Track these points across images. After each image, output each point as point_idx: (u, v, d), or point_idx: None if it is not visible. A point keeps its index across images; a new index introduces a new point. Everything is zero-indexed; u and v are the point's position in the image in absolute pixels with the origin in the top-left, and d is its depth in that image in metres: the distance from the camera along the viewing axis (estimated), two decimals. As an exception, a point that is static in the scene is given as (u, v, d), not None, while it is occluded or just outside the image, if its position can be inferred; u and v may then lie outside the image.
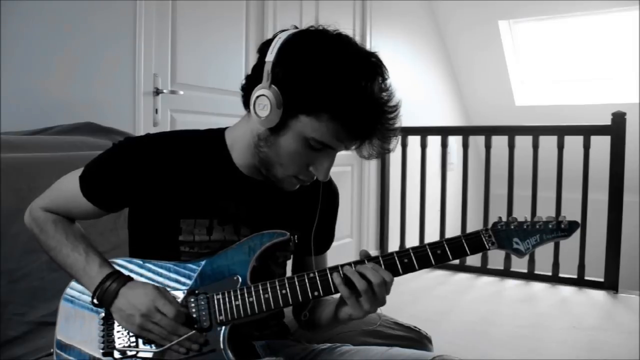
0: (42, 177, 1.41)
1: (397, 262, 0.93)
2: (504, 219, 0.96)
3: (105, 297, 0.96)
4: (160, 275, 0.99)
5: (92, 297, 0.97)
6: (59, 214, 1.05)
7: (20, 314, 1.33)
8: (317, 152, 0.93)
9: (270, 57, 0.89)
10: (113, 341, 0.96)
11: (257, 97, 0.90)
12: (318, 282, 0.94)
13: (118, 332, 0.97)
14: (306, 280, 0.94)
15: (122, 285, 0.96)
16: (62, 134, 1.83)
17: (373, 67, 0.90)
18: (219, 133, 1.05)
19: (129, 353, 0.95)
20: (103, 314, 0.98)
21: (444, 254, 0.94)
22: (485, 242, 0.94)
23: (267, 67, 0.89)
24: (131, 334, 0.96)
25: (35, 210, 1.06)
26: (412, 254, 0.94)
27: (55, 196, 1.06)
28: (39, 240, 1.04)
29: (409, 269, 0.94)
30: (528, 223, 0.95)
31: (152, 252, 1.02)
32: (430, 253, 0.94)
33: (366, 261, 0.94)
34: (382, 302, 0.94)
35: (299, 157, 0.93)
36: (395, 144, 0.96)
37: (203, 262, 0.98)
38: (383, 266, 0.93)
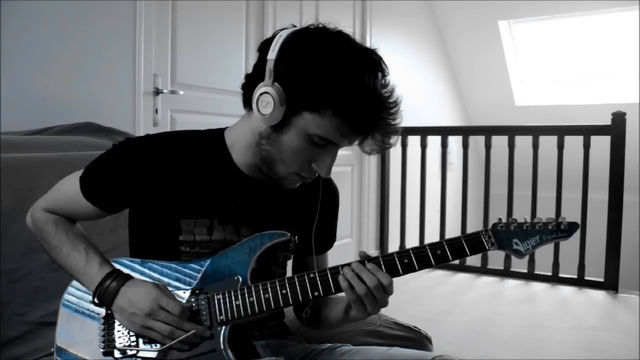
0: (42, 177, 1.42)
1: (397, 263, 0.93)
2: (504, 219, 0.96)
3: (105, 296, 0.96)
4: (161, 275, 0.99)
5: (93, 297, 0.97)
6: (60, 214, 1.05)
7: (20, 314, 1.33)
8: (319, 149, 0.93)
9: (272, 55, 0.90)
10: (113, 340, 0.96)
11: (260, 94, 0.90)
12: (318, 282, 0.94)
13: (118, 331, 0.96)
14: (306, 280, 0.94)
15: (122, 284, 0.96)
16: (62, 134, 1.83)
17: (374, 63, 0.91)
18: (219, 133, 1.05)
19: (129, 352, 0.95)
20: (103, 314, 0.98)
21: (444, 255, 0.94)
22: (485, 243, 0.94)
23: (269, 65, 0.90)
24: (132, 333, 0.96)
25: (36, 211, 1.06)
26: (412, 254, 0.94)
27: (56, 197, 1.06)
28: (40, 240, 1.05)
29: (409, 269, 0.94)
30: (528, 224, 0.95)
31: (153, 252, 1.02)
32: (430, 254, 0.94)
33: (366, 262, 0.93)
34: (383, 304, 0.94)
35: (302, 154, 0.94)
36: (397, 139, 0.97)
37: (203, 262, 0.98)
38: (383, 267, 0.93)
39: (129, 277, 0.98)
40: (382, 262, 0.94)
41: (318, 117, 0.89)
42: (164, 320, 0.93)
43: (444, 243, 0.94)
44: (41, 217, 1.05)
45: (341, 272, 0.93)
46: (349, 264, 0.94)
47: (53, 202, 1.06)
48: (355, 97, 0.88)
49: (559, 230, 0.94)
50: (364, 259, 0.94)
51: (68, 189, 1.04)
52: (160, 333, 0.93)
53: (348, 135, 0.92)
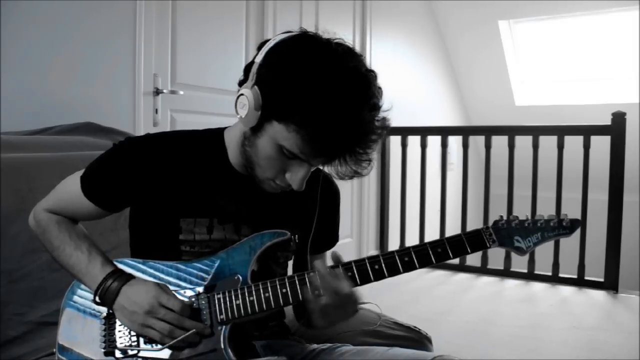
0: (42, 177, 1.42)
1: (398, 261, 0.93)
2: (505, 217, 0.96)
3: (107, 296, 0.96)
4: (161, 275, 0.99)
5: (94, 296, 0.97)
6: (62, 215, 1.06)
7: (20, 314, 1.33)
8: (291, 160, 0.92)
9: (258, 58, 0.91)
10: (114, 341, 0.96)
11: (239, 96, 0.91)
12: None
13: (119, 331, 0.97)
14: (306, 279, 0.94)
15: (124, 283, 0.96)
16: (62, 134, 1.83)
17: (352, 84, 0.86)
18: (218, 132, 1.06)
19: (130, 352, 0.95)
20: (105, 314, 0.98)
21: (444, 252, 0.94)
22: (486, 240, 0.94)
23: (254, 68, 0.90)
24: (133, 333, 0.96)
25: (39, 212, 1.07)
26: (412, 252, 0.94)
27: (58, 197, 1.07)
28: (43, 240, 1.05)
29: (409, 267, 0.94)
30: (529, 221, 0.95)
31: (153, 252, 1.03)
32: (430, 251, 0.94)
33: (340, 267, 0.93)
34: (347, 312, 0.94)
35: (274, 162, 0.93)
36: (369, 169, 0.92)
37: (204, 261, 0.98)
38: (384, 265, 0.93)
39: (130, 277, 0.98)
40: (382, 261, 0.94)
41: (284, 129, 0.88)
42: (163, 317, 0.93)
43: (445, 241, 0.94)
44: (44, 218, 1.05)
45: (307, 279, 0.93)
46: (274, 282, 0.94)
47: (55, 202, 1.06)
48: (318, 117, 0.84)
49: (560, 227, 0.94)
50: (337, 263, 0.94)
51: (69, 189, 1.04)
52: (160, 332, 0.93)
53: (308, 155, 0.89)
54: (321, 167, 0.94)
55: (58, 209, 1.06)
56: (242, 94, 0.90)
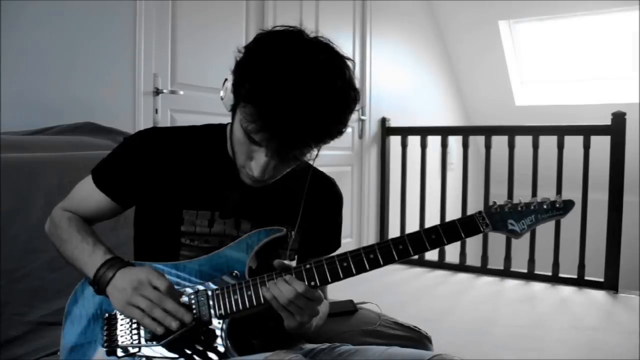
0: (42, 177, 1.42)
1: (392, 249, 0.94)
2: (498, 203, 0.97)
3: (102, 280, 0.96)
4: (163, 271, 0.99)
5: (92, 282, 0.97)
6: (76, 214, 1.08)
7: (20, 314, 1.33)
8: (253, 146, 0.92)
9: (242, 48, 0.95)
10: (116, 340, 0.96)
11: (224, 80, 0.96)
12: (314, 272, 0.94)
13: (121, 330, 0.97)
14: (303, 271, 0.94)
15: (120, 269, 0.96)
16: (62, 134, 1.83)
17: (297, 67, 0.86)
18: (222, 127, 1.08)
19: (132, 350, 0.96)
20: (107, 315, 0.98)
21: (438, 238, 0.94)
22: (480, 225, 0.95)
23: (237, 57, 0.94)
24: (134, 332, 0.96)
25: (55, 211, 1.10)
26: (407, 239, 0.94)
27: (72, 196, 1.10)
28: (53, 238, 1.07)
29: (404, 254, 0.94)
30: (522, 204, 0.96)
31: (154, 244, 1.04)
32: (425, 238, 0.94)
33: (283, 273, 0.94)
34: (311, 312, 0.95)
35: (243, 147, 0.95)
36: (309, 156, 0.95)
37: (202, 260, 0.99)
38: (379, 254, 0.93)
39: (128, 264, 0.98)
40: (377, 250, 0.94)
41: (242, 110, 0.90)
42: (147, 295, 0.92)
43: (439, 227, 0.95)
44: (57, 214, 1.08)
45: (266, 284, 0.94)
46: (272, 276, 0.94)
47: (70, 201, 1.10)
48: (257, 91, 0.86)
49: (554, 209, 0.95)
50: (280, 268, 0.95)
51: (83, 187, 1.08)
52: (142, 309, 0.92)
53: (251, 132, 0.89)
54: (264, 147, 0.91)
55: (72, 207, 1.09)
56: (226, 78, 0.95)
